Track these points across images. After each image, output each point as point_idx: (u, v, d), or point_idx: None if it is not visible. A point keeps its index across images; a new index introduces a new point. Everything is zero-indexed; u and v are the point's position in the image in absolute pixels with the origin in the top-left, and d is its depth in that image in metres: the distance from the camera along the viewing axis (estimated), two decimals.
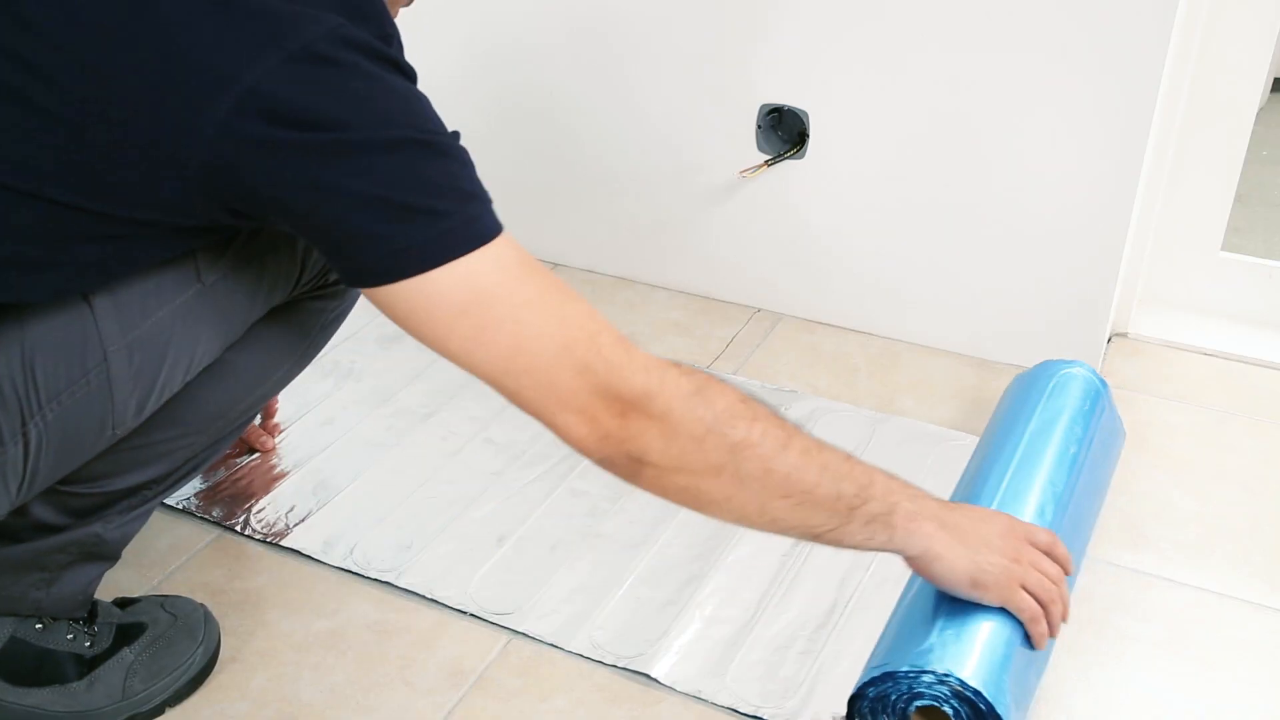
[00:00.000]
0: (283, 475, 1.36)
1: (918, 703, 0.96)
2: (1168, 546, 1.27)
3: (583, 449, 0.85)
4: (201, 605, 1.13)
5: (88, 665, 1.05)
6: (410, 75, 0.85)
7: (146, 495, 1.04)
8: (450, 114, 1.82)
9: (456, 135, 0.84)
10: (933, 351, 1.61)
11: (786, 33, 1.51)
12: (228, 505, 1.31)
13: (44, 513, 0.99)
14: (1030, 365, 1.56)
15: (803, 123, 1.56)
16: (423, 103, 0.83)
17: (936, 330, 1.61)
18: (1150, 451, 1.42)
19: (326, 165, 0.78)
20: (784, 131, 1.58)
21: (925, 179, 1.52)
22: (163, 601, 1.13)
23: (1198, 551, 1.26)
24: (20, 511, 0.98)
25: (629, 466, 0.86)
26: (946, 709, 0.95)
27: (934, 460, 1.38)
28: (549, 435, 0.87)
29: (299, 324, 1.08)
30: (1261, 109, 1.60)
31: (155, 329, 0.90)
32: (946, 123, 1.48)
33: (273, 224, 0.86)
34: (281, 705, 1.09)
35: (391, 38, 0.89)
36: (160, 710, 1.07)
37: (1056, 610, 0.99)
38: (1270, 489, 1.35)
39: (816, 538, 0.91)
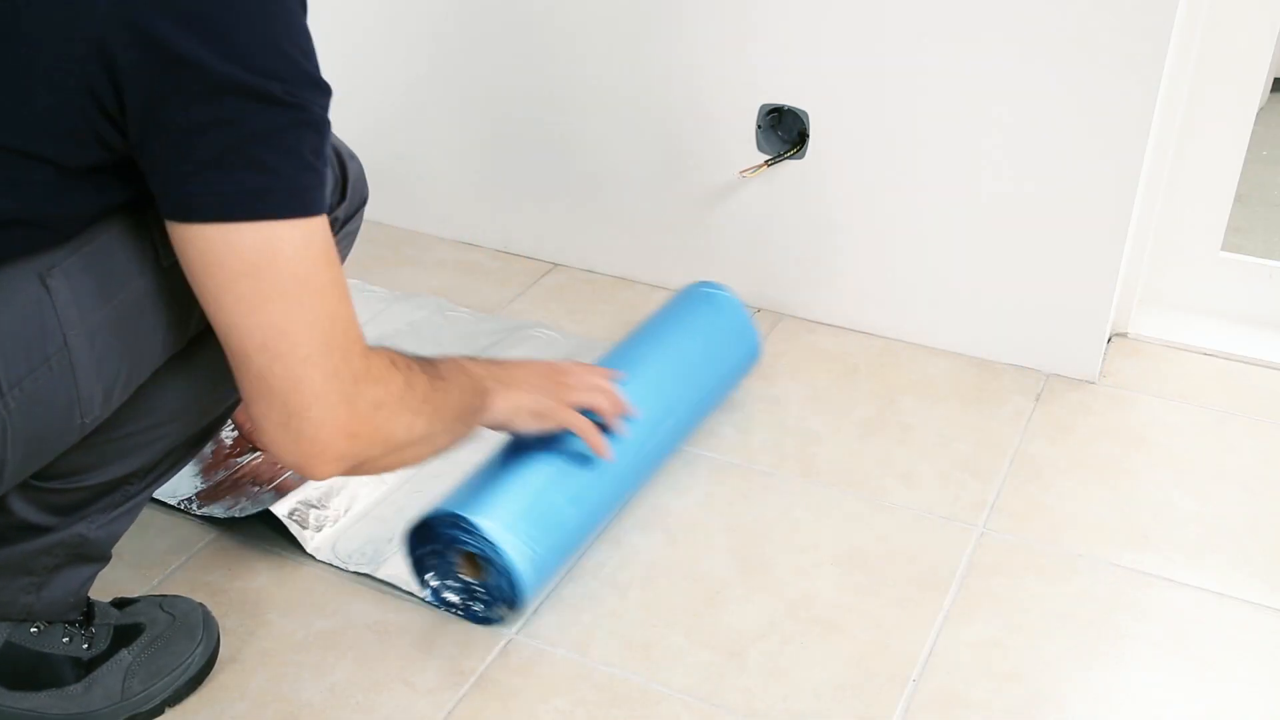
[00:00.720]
0: (283, 470, 1.36)
1: (457, 547, 1.13)
2: (1168, 546, 1.27)
3: (306, 465, 0.88)
4: (200, 605, 1.13)
5: (85, 667, 1.05)
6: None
7: (129, 491, 1.02)
8: (457, 111, 1.83)
9: (326, 91, 0.83)
10: (932, 351, 1.61)
11: (787, 32, 1.51)
12: (228, 504, 1.31)
13: (26, 511, 0.98)
14: (1032, 365, 1.56)
15: (803, 123, 1.56)
16: (303, 37, 0.82)
17: (936, 330, 1.61)
18: (1150, 451, 1.42)
19: (185, 81, 0.77)
20: (784, 131, 1.58)
21: (925, 179, 1.52)
22: (161, 601, 1.12)
23: (1198, 552, 1.26)
24: (3, 511, 0.97)
25: (348, 471, 0.91)
26: (467, 548, 1.11)
27: None
28: None
29: None
30: (1261, 109, 1.60)
31: (116, 313, 0.89)
32: (946, 122, 1.48)
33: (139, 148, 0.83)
34: (281, 705, 1.08)
35: None
36: (160, 710, 1.07)
37: (609, 408, 1.17)
38: (1270, 489, 1.35)
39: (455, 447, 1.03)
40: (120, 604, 1.12)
